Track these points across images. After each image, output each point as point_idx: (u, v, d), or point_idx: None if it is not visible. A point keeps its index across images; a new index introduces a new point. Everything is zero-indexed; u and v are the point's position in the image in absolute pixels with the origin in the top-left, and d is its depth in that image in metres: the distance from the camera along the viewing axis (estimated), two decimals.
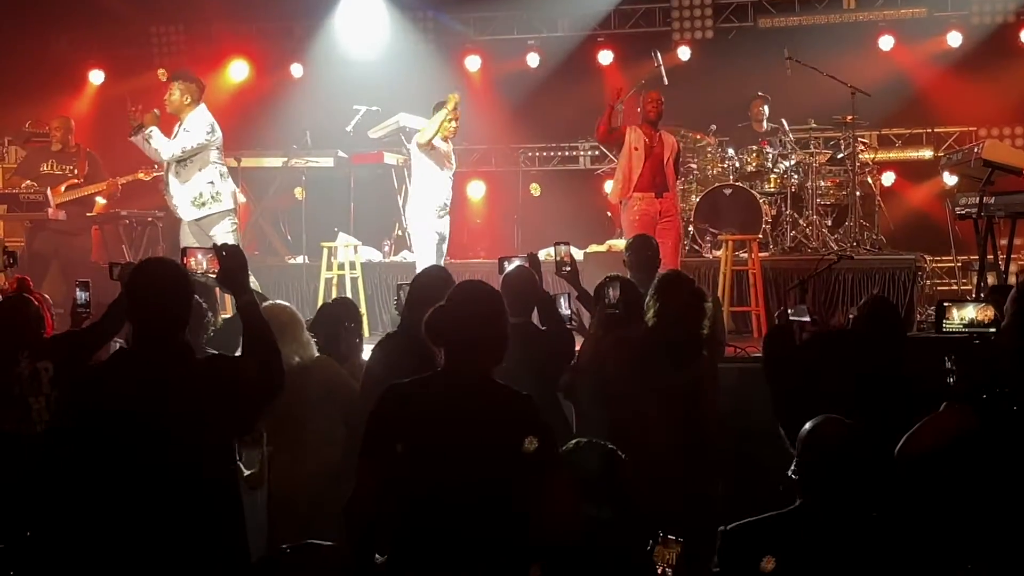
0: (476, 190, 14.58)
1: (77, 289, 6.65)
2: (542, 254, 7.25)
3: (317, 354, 5.95)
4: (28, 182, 10.90)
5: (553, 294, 6.40)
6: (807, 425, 3.96)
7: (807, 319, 6.25)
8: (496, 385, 3.86)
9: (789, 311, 6.15)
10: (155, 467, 3.75)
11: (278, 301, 6.36)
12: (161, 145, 9.14)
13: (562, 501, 3.78)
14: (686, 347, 5.57)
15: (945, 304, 3.88)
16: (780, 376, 5.64)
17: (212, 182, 9.32)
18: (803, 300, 6.46)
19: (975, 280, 9.28)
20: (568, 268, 6.79)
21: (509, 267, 6.31)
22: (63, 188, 10.88)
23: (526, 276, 6.18)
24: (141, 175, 11.07)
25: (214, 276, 4.20)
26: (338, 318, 6.41)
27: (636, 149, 9.74)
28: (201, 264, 4.29)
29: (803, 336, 5.93)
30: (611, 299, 6.00)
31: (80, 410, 3.84)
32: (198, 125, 9.20)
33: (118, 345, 6.22)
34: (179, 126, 9.22)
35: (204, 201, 9.30)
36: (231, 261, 4.09)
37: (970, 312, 3.83)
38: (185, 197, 9.24)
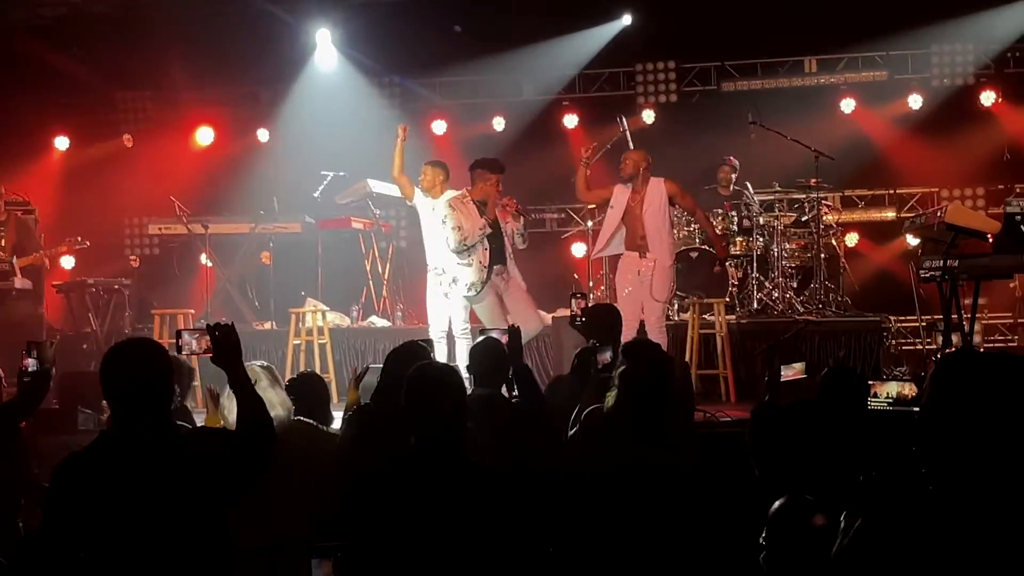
0: None
1: (27, 356, 6.52)
2: None
3: (294, 418, 5.93)
4: None
5: (592, 343, 6.38)
6: (772, 507, 3.76)
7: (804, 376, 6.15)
8: (472, 467, 3.86)
9: (781, 371, 6.00)
10: (151, 549, 3.74)
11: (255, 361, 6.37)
12: None
13: None
14: (657, 416, 5.51)
15: (869, 382, 3.82)
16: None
17: None
18: (772, 363, 6.38)
19: (940, 340, 9.33)
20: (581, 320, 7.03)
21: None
22: None
23: (492, 346, 6.19)
24: (64, 248, 11.25)
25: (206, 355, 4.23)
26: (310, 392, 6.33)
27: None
28: (191, 345, 4.31)
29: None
30: (602, 364, 5.99)
31: (67, 501, 3.80)
32: None
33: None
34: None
35: None
36: (224, 339, 4.16)
37: (894, 389, 3.78)
38: None
